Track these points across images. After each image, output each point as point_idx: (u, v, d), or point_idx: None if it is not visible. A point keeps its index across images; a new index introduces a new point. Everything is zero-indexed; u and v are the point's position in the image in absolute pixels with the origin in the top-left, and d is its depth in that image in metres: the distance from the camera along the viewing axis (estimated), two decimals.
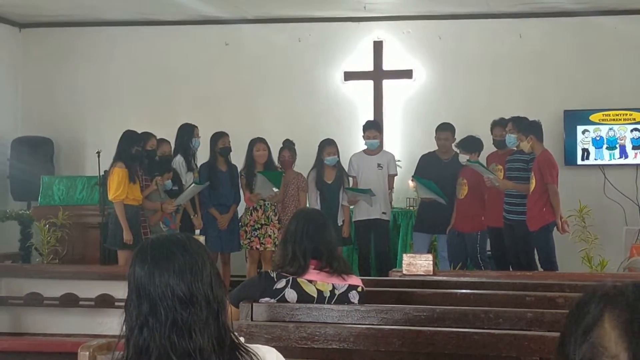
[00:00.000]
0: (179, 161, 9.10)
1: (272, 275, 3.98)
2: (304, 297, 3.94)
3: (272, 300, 3.94)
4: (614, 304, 1.42)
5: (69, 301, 6.88)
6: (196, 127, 9.25)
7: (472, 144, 8.87)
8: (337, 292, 3.98)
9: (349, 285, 4.02)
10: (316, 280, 3.97)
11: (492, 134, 9.16)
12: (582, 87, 10.62)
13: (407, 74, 11.04)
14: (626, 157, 10.37)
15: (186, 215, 9.07)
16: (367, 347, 3.49)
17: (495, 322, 3.78)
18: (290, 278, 3.96)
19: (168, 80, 11.46)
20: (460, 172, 9.00)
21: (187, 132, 9.19)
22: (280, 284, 3.95)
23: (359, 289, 4.04)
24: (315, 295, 3.95)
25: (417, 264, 5.50)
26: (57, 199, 9.50)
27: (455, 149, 9.17)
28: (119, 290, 5.99)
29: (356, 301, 4.01)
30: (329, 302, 3.95)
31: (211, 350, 2.20)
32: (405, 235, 9.87)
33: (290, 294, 3.94)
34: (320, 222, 4.12)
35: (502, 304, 4.20)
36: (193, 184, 8.74)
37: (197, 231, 9.04)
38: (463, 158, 8.82)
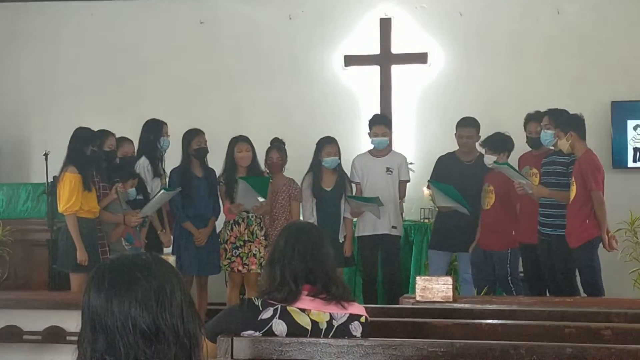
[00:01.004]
0: (143, 165, 9.10)
1: (256, 303, 3.98)
2: (295, 330, 3.94)
3: (257, 334, 3.94)
4: None
5: (11, 335, 6.86)
6: (165, 123, 9.27)
7: (500, 143, 8.87)
8: (335, 324, 3.98)
9: (350, 314, 4.02)
10: (310, 308, 3.98)
11: (525, 130, 9.17)
12: (633, 74, 10.64)
13: (421, 57, 11.06)
14: None
15: (153, 230, 9.07)
16: None
17: (527, 359, 3.78)
18: (279, 306, 3.96)
19: (131, 66, 11.46)
20: (486, 177, 9.01)
21: (153, 130, 9.21)
22: (267, 313, 3.95)
23: (362, 319, 4.05)
24: (309, 327, 3.96)
25: (434, 288, 5.51)
26: None
27: (479, 149, 9.19)
28: (72, 321, 5.98)
29: (359, 334, 4.01)
30: (325, 336, 3.96)
31: None
32: (419, 254, 9.88)
33: (279, 326, 3.94)
34: (315, 238, 4.12)
35: (536, 337, 4.21)
36: (162, 191, 8.73)
37: (168, 250, 9.04)
38: (489, 159, 8.81)
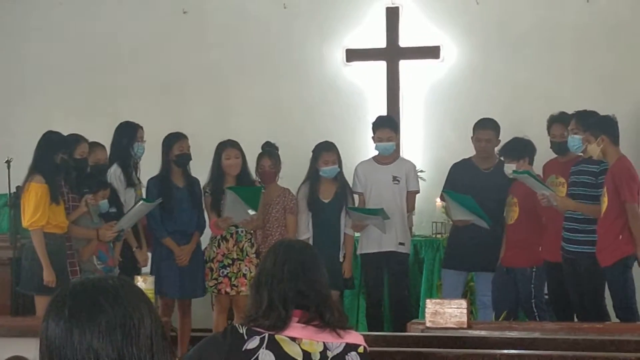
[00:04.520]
0: (115, 173, 9.05)
1: (240, 332, 3.99)
2: None
3: None
4: None
5: None
6: (140, 127, 9.24)
7: (518, 148, 8.85)
8: (329, 354, 3.99)
9: (347, 344, 4.03)
10: (301, 337, 3.98)
11: (549, 134, 9.15)
12: None
13: (432, 51, 11.06)
14: None
15: (128, 248, 9.02)
16: None
17: None
18: (266, 335, 3.97)
19: (105, 62, 11.45)
20: (510, 187, 8.99)
21: (127, 134, 9.19)
22: (253, 343, 3.96)
23: (360, 349, 4.05)
24: (300, 358, 3.96)
25: (446, 312, 5.52)
26: None
27: (497, 156, 9.18)
28: (37, 351, 5.99)
29: None
30: None
31: None
32: (430, 274, 9.88)
33: (266, 357, 3.94)
34: (308, 256, 4.14)
35: None
36: (141, 202, 8.70)
37: (146, 269, 9.02)
38: (508, 169, 8.80)
